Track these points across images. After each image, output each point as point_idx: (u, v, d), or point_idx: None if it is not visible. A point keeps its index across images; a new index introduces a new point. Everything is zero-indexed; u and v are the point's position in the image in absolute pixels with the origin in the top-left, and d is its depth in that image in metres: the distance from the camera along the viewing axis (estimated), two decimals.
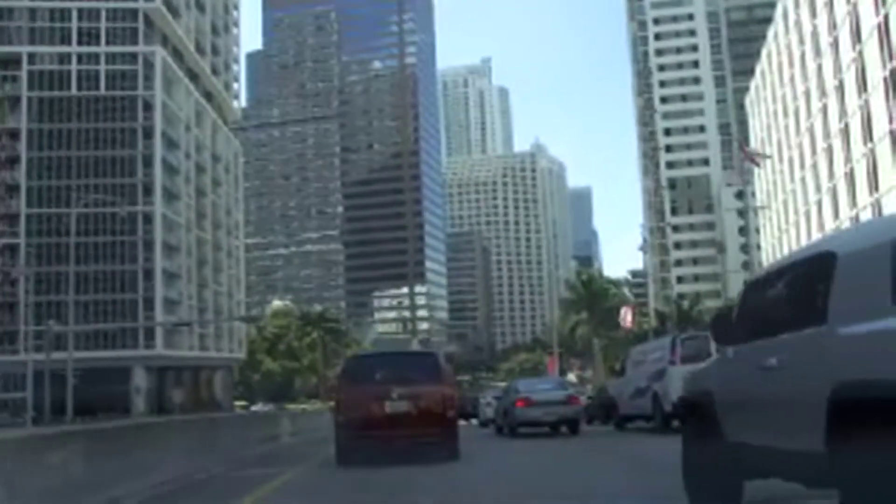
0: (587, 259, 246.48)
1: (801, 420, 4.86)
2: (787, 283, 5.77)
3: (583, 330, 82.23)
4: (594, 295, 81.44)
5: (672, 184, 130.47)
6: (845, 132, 55.84)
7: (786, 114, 76.56)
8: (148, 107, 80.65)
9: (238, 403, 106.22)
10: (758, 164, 41.31)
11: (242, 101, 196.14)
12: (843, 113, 56.26)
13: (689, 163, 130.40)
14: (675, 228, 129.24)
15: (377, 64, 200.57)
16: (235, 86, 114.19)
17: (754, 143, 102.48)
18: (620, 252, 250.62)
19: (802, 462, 4.98)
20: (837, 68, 56.37)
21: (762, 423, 5.62)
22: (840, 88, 56.20)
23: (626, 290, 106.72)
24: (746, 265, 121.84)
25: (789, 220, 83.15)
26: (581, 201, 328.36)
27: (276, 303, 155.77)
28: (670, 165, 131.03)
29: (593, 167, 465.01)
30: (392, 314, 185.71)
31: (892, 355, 4.01)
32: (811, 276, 5.18)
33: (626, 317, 62.99)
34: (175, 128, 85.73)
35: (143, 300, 77.26)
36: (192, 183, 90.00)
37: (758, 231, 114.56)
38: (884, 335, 4.13)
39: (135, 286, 77.45)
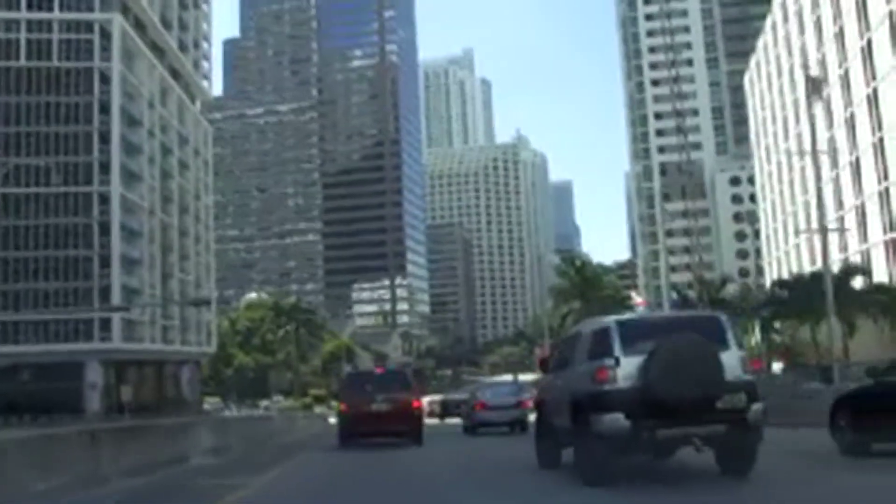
0: (569, 252, 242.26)
1: (565, 411, 10.76)
2: (568, 344, 12.06)
3: (575, 319, 76.56)
4: (587, 281, 75.66)
5: (663, 169, 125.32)
6: (873, 99, 50.42)
7: (794, 88, 71.13)
8: (105, 80, 74.11)
9: (210, 399, 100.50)
10: (822, 93, 36.91)
11: (218, 90, 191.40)
12: (869, 79, 50.90)
13: (681, 148, 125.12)
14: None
15: (357, 52, 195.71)
16: (205, 65, 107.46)
17: (754, 125, 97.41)
18: (602, 246, 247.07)
19: (567, 432, 10.83)
20: (864, 27, 50.84)
21: (557, 413, 11.44)
22: (867, 50, 50.69)
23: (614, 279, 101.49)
24: (742, 253, 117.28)
25: (787, 211, 78.25)
26: (562, 195, 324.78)
27: (252, 295, 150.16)
28: (661, 150, 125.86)
29: (574, 161, 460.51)
30: (372, 307, 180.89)
31: (577, 381, 10.36)
32: (573, 342, 11.50)
33: (637, 302, 57.81)
34: (136, 104, 79.29)
35: (98, 289, 70.83)
36: (157, 164, 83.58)
37: (756, 219, 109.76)
38: (578, 372, 10.51)
39: (90, 273, 71.04)
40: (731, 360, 9.58)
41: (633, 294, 61.07)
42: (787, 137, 75.06)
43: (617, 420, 9.22)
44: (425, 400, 58.98)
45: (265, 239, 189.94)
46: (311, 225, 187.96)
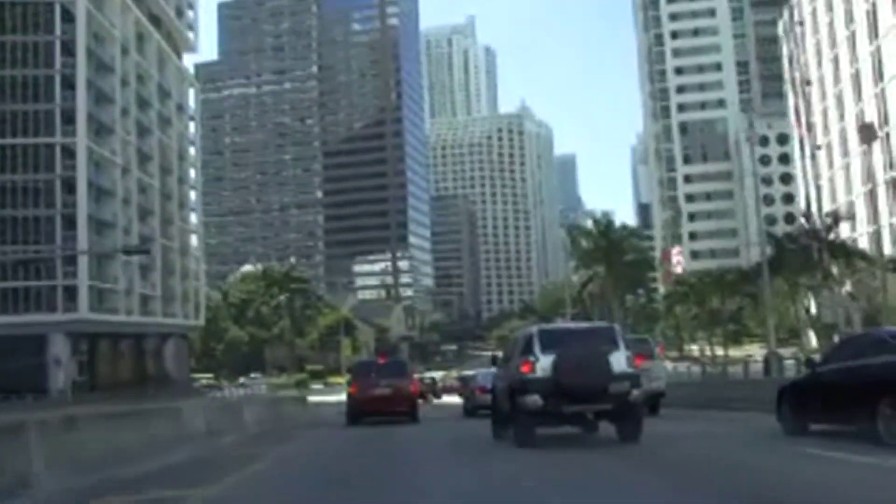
0: (574, 227, 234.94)
1: (507, 398, 13.71)
2: (511, 345, 15.34)
3: (597, 286, 68.72)
4: (613, 244, 67.73)
5: (683, 128, 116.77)
6: None
7: (850, 20, 62.46)
8: (69, 17, 65.65)
9: (202, 376, 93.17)
10: None
11: (212, 54, 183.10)
12: None
13: (703, 105, 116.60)
14: (688, 179, 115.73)
15: (356, 15, 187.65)
16: (190, 14, 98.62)
17: (790, 75, 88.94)
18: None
19: (508, 414, 13.78)
20: None
21: (502, 397, 14.41)
22: None
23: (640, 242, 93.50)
24: (770, 219, 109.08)
25: (835, 164, 70.08)
26: (566, 168, 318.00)
27: (247, 267, 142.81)
28: (682, 108, 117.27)
29: (578, 135, 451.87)
30: (374, 281, 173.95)
31: (513, 373, 13.63)
32: (514, 344, 14.85)
33: (674, 261, 49.81)
34: (106, 48, 70.89)
35: (62, 253, 62.78)
36: (132, 117, 75.30)
37: (786, 181, 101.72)
38: (514, 366, 13.67)
39: (52, 236, 62.99)
40: (619, 359, 13.02)
41: (673, 251, 53.54)
42: (837, 80, 66.68)
43: (536, 400, 12.72)
44: (452, 375, 52.57)
45: (264, 212, 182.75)
46: (311, 197, 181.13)
